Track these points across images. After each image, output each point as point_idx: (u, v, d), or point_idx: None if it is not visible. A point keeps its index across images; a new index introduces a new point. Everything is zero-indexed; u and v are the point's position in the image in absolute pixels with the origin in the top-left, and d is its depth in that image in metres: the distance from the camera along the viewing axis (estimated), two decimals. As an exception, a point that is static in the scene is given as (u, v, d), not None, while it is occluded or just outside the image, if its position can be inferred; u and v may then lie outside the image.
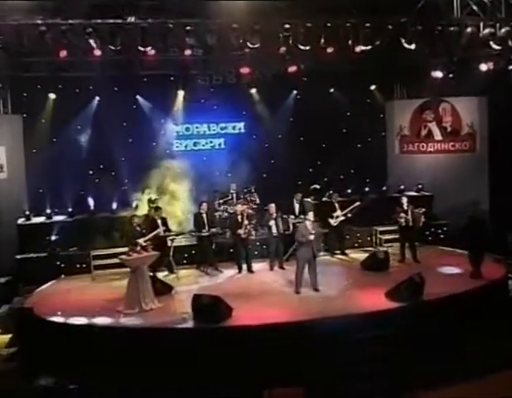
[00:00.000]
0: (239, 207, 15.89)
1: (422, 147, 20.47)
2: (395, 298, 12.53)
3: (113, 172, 18.50)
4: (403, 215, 15.83)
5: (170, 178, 17.44)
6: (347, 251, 17.45)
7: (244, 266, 15.91)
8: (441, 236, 18.37)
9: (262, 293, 13.76)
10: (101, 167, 18.62)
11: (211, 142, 20.06)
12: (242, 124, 20.10)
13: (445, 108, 20.11)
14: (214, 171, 19.18)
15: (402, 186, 19.24)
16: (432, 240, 18.23)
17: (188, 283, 15.09)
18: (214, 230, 15.77)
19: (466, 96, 19.61)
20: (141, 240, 13.05)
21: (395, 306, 12.32)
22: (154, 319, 12.20)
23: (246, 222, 15.56)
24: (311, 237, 13.17)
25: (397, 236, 16.63)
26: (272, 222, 15.67)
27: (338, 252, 17.30)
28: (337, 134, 20.20)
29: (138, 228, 13.36)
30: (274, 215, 15.72)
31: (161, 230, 14.83)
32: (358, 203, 17.16)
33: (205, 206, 15.95)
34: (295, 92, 20.21)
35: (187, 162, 18.33)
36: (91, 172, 18.60)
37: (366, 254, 16.08)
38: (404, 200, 16.11)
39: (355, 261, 16.37)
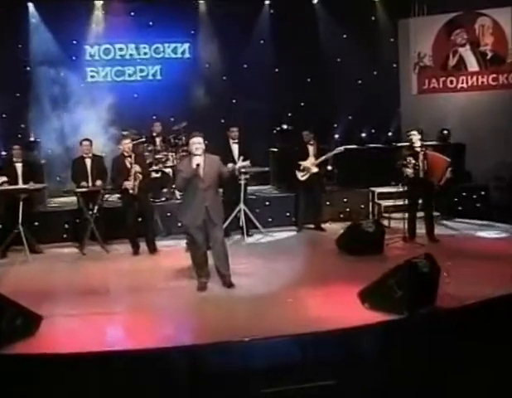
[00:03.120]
0: (126, 143, 9.77)
1: (451, 82, 14.51)
2: (377, 303, 6.38)
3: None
4: (411, 160, 9.58)
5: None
6: (326, 225, 11.29)
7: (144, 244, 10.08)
8: (477, 205, 11.95)
9: (151, 290, 8.09)
10: None
11: (142, 70, 14.12)
12: (187, 47, 14.15)
13: (483, 24, 14.04)
14: (147, 114, 13.10)
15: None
16: (462, 210, 11.84)
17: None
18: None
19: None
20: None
21: (375, 320, 6.24)
22: None
23: (137, 169, 9.52)
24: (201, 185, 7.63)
25: (402, 201, 10.23)
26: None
27: (310, 225, 11.11)
28: (327, 65, 14.50)
29: None
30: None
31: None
32: (341, 148, 10.98)
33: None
34: (267, 2, 14.53)
35: (105, 98, 12.73)
36: None
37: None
38: (415, 136, 9.83)
39: (332, 237, 10.21)
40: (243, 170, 10.29)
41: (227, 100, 14.15)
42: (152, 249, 9.92)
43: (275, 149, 12.97)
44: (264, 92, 13.94)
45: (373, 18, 14.80)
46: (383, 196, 11.64)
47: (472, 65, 14.25)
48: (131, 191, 9.59)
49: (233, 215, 10.55)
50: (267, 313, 6.87)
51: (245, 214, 10.66)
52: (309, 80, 14.69)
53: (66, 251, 10.41)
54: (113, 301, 7.74)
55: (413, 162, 9.71)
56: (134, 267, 9.25)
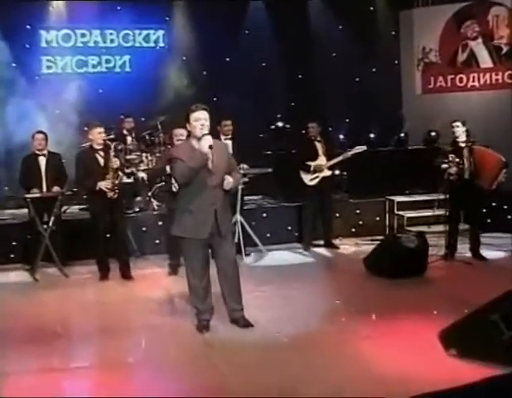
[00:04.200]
0: (98, 133, 7.55)
1: (460, 80, 12.71)
2: (471, 349, 4.59)
3: None
4: (454, 158, 7.68)
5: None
6: (337, 241, 9.34)
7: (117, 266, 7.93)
8: (508, 217, 10.09)
9: (127, 332, 5.95)
10: None
11: (108, 61, 11.98)
12: (160, 34, 12.07)
13: (498, 15, 12.30)
14: (113, 112, 10.83)
15: (433, 133, 11.19)
16: (492, 223, 9.93)
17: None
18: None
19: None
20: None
21: (477, 375, 4.12)
22: None
23: (118, 164, 7.44)
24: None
25: (436, 212, 8.28)
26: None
27: (317, 242, 9.18)
28: (321, 61, 12.62)
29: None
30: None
31: None
32: (363, 147, 9.01)
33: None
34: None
35: (64, 94, 10.93)
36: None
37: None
38: (459, 128, 7.94)
39: (350, 256, 8.37)
40: (241, 172, 8.23)
41: (207, 98, 11.97)
42: (126, 274, 7.71)
43: (269, 152, 10.92)
44: (250, 89, 12.02)
45: (371, 8, 13.10)
46: (404, 205, 9.65)
47: (485, 60, 12.53)
48: (110, 195, 7.37)
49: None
50: (310, 368, 4.77)
51: (242, 228, 8.56)
52: (300, 76, 12.78)
53: (13, 276, 8.19)
54: (75, 349, 5.62)
55: (457, 160, 7.78)
56: (103, 297, 7.14)
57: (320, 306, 6.36)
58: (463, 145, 7.99)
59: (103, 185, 7.32)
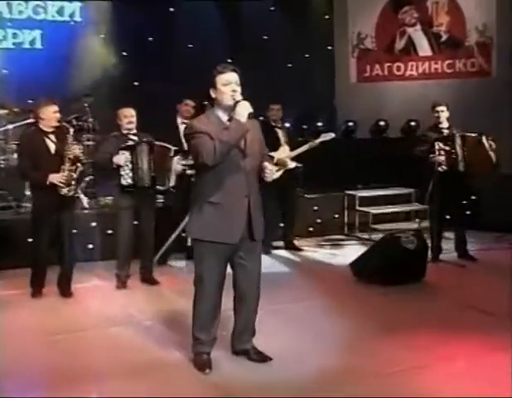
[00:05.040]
0: (52, 112, 5.97)
1: (398, 69, 12.03)
2: None
3: None
4: (442, 146, 6.80)
5: None
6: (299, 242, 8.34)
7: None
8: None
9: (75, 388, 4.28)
10: None
11: (15, 36, 10.26)
12: (77, 7, 10.60)
13: (437, 1, 11.74)
14: (20, 96, 9.17)
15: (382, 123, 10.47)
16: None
17: None
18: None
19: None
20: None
21: None
22: None
23: (78, 152, 6.06)
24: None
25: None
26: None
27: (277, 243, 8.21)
28: (252, 43, 11.46)
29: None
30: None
31: None
32: (328, 135, 7.97)
33: None
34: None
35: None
36: None
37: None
38: (444, 112, 7.09)
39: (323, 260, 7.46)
40: (191, 162, 6.97)
41: (126, 82, 10.62)
42: (66, 290, 6.22)
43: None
44: (175, 73, 10.70)
45: (300, -11, 12.05)
46: (367, 201, 8.74)
47: (423, 48, 11.94)
48: (64, 192, 5.86)
49: (179, 229, 7.16)
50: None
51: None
52: (230, 60, 11.52)
53: None
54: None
55: (447, 148, 6.91)
56: (45, 321, 5.51)
57: (328, 326, 5.22)
58: (454, 132, 7.13)
59: (53, 179, 5.78)
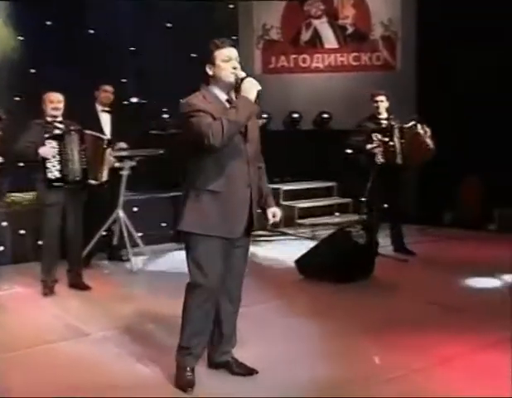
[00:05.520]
0: None
1: (304, 61, 11.80)
2: None
3: None
4: (381, 138, 6.63)
5: None
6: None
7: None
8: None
9: None
10: None
11: None
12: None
13: (343, -6, 11.62)
14: None
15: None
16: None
17: None
18: None
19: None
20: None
21: None
22: None
23: None
24: None
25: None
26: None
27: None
28: (155, 31, 10.78)
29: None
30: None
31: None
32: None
33: None
34: None
35: None
36: None
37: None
38: (384, 103, 6.91)
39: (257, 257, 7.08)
40: (124, 154, 6.39)
41: (23, 68, 9.72)
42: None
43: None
44: (76, 59, 9.89)
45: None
46: (292, 195, 8.44)
47: (329, 41, 11.76)
48: None
49: (105, 226, 6.54)
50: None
51: (124, 225, 6.72)
52: (133, 48, 10.95)
53: None
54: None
55: (386, 139, 6.73)
56: None
57: (300, 330, 4.84)
58: (393, 123, 6.95)
59: None
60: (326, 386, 3.78)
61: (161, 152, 7.21)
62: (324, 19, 11.72)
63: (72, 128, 5.78)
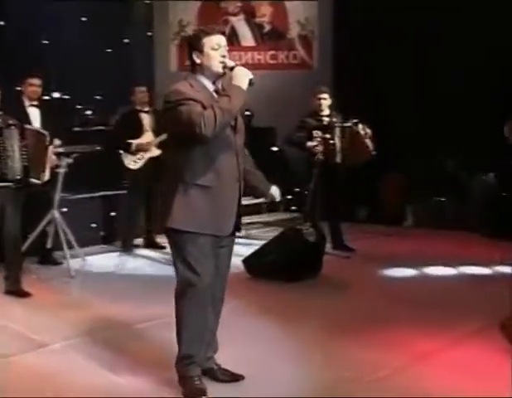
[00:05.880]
0: None
1: (221, 58, 11.37)
2: None
3: None
4: (322, 135, 6.63)
5: None
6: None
7: None
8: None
9: None
10: None
11: None
12: None
13: (260, -8, 11.55)
14: None
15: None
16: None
17: None
18: None
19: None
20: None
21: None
22: None
23: None
24: None
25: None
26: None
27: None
28: (68, 24, 10.19)
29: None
30: None
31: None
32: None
33: None
34: None
35: None
36: None
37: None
38: (326, 100, 6.92)
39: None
40: (61, 150, 6.05)
41: None
42: None
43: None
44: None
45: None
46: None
47: (246, 38, 11.72)
48: None
49: (40, 228, 6.17)
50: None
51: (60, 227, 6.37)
52: (46, 41, 10.46)
53: None
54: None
55: (327, 136, 6.74)
56: None
57: (268, 333, 4.70)
58: (335, 120, 6.95)
59: None
60: (318, 388, 3.69)
61: (99, 148, 6.88)
62: (241, 17, 11.66)
63: (11, 122, 5.36)
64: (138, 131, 7.20)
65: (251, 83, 3.48)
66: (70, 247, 6.54)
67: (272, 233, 7.04)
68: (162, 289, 4.77)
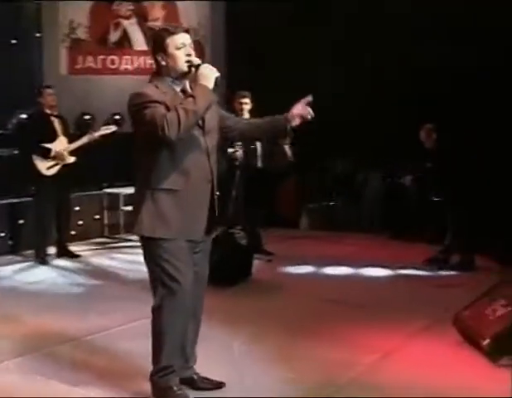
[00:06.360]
0: None
1: (112, 62, 11.41)
2: None
3: None
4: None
5: None
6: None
7: None
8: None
9: None
10: None
11: None
12: None
13: (153, -5, 11.41)
14: None
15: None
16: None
17: None
18: None
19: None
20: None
21: None
22: None
23: None
24: None
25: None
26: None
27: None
28: None
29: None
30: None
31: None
32: (109, 128, 7.27)
33: None
34: None
35: None
36: None
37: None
38: (248, 105, 7.00)
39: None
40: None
41: None
42: None
43: None
44: None
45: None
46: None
47: (139, 42, 11.48)
48: None
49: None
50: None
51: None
52: None
53: None
54: None
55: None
56: None
57: (230, 338, 4.65)
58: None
59: None
60: (300, 392, 3.72)
61: (16, 152, 6.53)
62: (133, 20, 11.44)
63: None
64: (51, 136, 6.91)
65: (217, 81, 3.43)
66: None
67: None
68: (89, 301, 4.67)
